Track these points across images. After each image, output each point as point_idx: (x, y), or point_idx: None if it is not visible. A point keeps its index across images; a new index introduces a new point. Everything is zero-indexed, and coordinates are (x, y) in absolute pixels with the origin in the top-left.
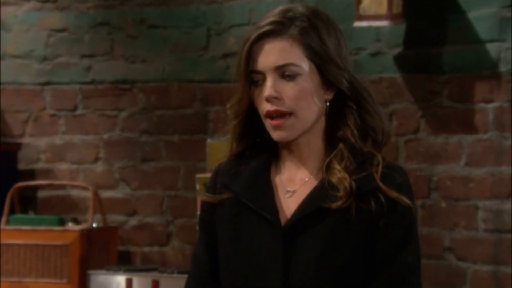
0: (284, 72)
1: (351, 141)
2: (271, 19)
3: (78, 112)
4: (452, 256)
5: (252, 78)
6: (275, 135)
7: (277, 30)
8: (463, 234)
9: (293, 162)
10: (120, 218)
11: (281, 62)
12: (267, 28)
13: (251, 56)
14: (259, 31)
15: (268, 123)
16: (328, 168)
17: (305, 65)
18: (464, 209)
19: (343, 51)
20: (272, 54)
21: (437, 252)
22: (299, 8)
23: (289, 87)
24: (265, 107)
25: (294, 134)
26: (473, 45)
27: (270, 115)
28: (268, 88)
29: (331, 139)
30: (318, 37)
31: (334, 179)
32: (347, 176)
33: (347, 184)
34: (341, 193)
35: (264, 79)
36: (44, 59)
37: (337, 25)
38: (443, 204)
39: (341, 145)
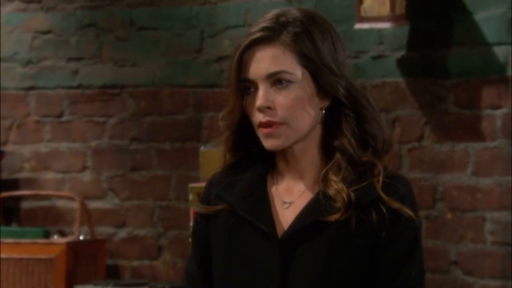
0: (276, 80)
1: (349, 151)
2: (263, 25)
3: (64, 118)
4: (458, 270)
5: (244, 87)
6: (267, 143)
7: (268, 37)
8: (470, 247)
9: (291, 172)
10: (109, 230)
11: (273, 69)
12: (258, 35)
13: (242, 64)
14: (250, 38)
15: (260, 132)
16: (325, 180)
17: (298, 72)
18: (471, 220)
19: (340, 57)
20: (263, 61)
21: (443, 266)
22: (293, 12)
23: (281, 96)
24: (258, 117)
25: (286, 142)
26: (480, 47)
27: (263, 126)
28: (260, 98)
29: (328, 148)
30: (312, 43)
31: (331, 191)
32: (344, 187)
33: (344, 196)
34: (338, 205)
35: (256, 88)
36: (28, 62)
37: (333, 29)
38: (449, 216)
39: (338, 156)
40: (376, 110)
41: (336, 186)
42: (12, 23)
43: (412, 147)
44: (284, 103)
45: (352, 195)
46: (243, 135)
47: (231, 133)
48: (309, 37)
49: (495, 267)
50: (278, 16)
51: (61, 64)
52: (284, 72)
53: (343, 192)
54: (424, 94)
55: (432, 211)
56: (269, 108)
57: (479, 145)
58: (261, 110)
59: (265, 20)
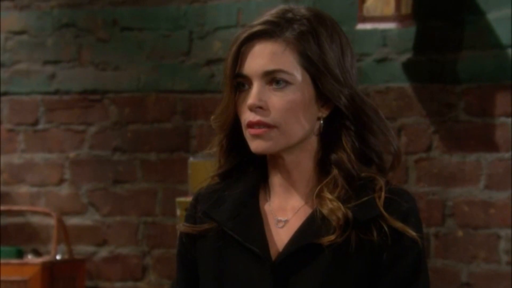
0: (273, 79)
1: (347, 166)
2: (266, 18)
3: (40, 126)
4: None
5: (238, 83)
6: (254, 145)
7: (270, 31)
8: (482, 267)
9: (283, 187)
10: (88, 249)
11: (271, 67)
12: (259, 28)
13: (239, 58)
14: (250, 30)
15: (248, 133)
16: (319, 197)
17: (298, 74)
18: (484, 238)
19: (347, 63)
20: (261, 57)
21: None
22: (301, 10)
23: (276, 97)
24: (248, 116)
25: (274, 147)
26: (493, 50)
27: (252, 126)
28: (252, 96)
29: (324, 163)
30: (317, 45)
31: (325, 210)
32: (340, 205)
33: (340, 215)
34: (334, 226)
35: (250, 85)
36: (1, 65)
37: (343, 33)
38: (460, 233)
39: (335, 172)
40: (385, 122)
41: (331, 205)
42: None
43: (419, 158)
44: (279, 105)
45: (350, 213)
46: (239, 138)
47: (225, 136)
48: (315, 38)
49: None
50: (284, 12)
51: (37, 68)
52: (283, 71)
53: (338, 211)
54: (432, 100)
55: (442, 228)
56: (261, 108)
57: (492, 156)
58: (252, 109)
59: (270, 14)
